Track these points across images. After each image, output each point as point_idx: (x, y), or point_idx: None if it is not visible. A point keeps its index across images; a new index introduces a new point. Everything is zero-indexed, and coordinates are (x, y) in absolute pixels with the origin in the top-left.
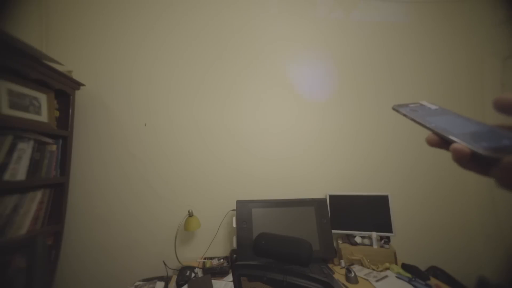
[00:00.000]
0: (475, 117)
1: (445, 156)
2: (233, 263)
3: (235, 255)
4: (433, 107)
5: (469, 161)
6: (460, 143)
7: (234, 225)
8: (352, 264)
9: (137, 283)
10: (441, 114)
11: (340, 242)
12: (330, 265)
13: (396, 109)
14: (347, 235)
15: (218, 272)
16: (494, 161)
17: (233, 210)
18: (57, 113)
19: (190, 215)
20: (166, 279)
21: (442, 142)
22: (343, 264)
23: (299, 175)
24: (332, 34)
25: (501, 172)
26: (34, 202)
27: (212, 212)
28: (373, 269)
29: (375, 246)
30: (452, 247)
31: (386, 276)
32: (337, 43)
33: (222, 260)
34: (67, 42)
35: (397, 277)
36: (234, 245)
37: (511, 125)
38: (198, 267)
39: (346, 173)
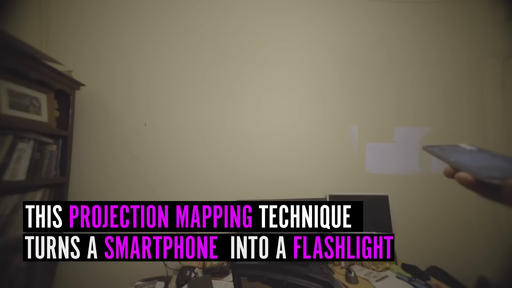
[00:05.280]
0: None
1: None
2: (233, 263)
3: None
4: (469, 147)
5: (476, 186)
6: (464, 172)
7: None
8: (352, 264)
9: (137, 283)
10: (473, 153)
11: None
12: (330, 265)
13: (428, 149)
14: None
15: (218, 272)
16: (497, 186)
17: None
18: (57, 113)
19: None
20: (166, 279)
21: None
22: (343, 264)
23: (299, 175)
24: (333, 34)
25: (506, 194)
26: None
27: None
28: (373, 269)
29: None
30: (452, 247)
31: (386, 276)
32: (337, 44)
33: None
34: (67, 42)
35: (397, 277)
36: None
37: None
38: (198, 267)
39: (346, 173)
